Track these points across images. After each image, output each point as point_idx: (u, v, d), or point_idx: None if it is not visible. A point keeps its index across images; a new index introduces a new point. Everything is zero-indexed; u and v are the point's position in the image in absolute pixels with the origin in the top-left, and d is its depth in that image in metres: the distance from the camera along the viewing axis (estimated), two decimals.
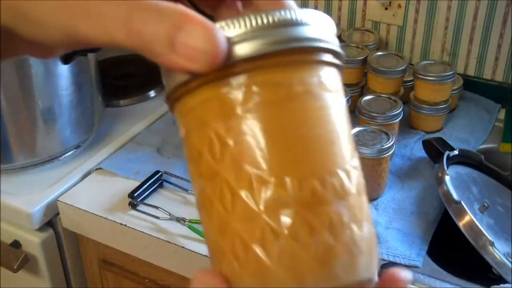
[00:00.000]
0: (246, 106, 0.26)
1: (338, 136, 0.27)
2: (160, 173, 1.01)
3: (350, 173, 0.27)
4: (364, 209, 0.28)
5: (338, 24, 1.30)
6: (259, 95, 0.26)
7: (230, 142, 0.26)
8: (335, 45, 0.29)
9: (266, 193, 0.26)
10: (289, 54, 0.27)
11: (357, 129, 0.97)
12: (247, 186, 0.26)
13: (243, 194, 0.26)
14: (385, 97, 1.06)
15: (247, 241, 0.26)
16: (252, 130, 0.26)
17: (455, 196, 0.88)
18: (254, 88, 0.27)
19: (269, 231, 0.26)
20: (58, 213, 1.02)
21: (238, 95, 0.26)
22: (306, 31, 0.27)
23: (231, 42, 0.26)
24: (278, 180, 0.26)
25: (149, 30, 0.27)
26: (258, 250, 0.26)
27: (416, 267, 0.85)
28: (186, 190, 0.99)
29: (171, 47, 0.27)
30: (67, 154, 1.10)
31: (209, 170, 0.27)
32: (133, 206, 0.96)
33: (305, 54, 0.28)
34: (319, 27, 0.28)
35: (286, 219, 0.25)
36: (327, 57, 0.29)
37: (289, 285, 0.26)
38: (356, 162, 0.28)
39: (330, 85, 0.28)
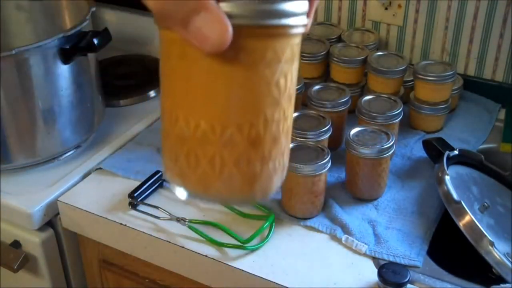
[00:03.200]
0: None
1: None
2: (160, 173, 1.01)
3: (259, 126, 0.37)
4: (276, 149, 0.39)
5: (338, 24, 1.31)
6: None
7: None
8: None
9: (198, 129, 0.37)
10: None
11: (357, 129, 0.96)
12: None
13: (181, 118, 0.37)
14: (385, 97, 1.06)
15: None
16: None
17: (455, 196, 0.88)
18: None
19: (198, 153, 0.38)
20: (58, 213, 1.02)
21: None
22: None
23: None
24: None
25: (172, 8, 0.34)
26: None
27: (416, 267, 0.85)
28: None
29: (184, 27, 0.34)
30: (67, 154, 1.10)
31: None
32: (133, 206, 0.96)
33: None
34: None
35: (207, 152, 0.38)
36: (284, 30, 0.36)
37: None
38: (277, 115, 0.38)
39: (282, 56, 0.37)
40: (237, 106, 0.36)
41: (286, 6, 0.34)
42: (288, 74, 0.37)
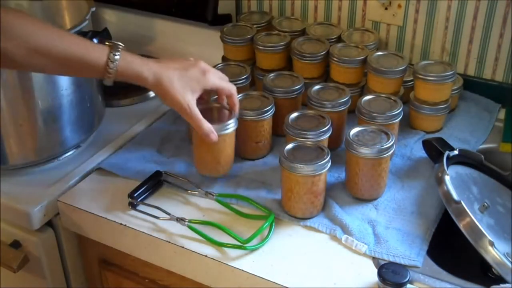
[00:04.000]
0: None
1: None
2: (160, 173, 1.01)
3: (226, 160, 1.00)
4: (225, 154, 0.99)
5: (338, 24, 1.31)
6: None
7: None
8: None
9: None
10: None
11: (357, 129, 0.97)
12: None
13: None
14: (385, 97, 1.06)
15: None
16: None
17: (455, 196, 0.88)
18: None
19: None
20: (58, 213, 1.02)
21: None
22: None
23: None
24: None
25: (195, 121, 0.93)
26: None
27: (416, 267, 0.85)
28: (186, 190, 1.00)
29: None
30: (67, 154, 1.10)
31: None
32: (133, 206, 0.97)
33: None
34: None
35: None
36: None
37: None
38: (230, 153, 1.00)
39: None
40: (216, 156, 0.97)
41: (228, 126, 0.95)
42: (232, 140, 0.98)
